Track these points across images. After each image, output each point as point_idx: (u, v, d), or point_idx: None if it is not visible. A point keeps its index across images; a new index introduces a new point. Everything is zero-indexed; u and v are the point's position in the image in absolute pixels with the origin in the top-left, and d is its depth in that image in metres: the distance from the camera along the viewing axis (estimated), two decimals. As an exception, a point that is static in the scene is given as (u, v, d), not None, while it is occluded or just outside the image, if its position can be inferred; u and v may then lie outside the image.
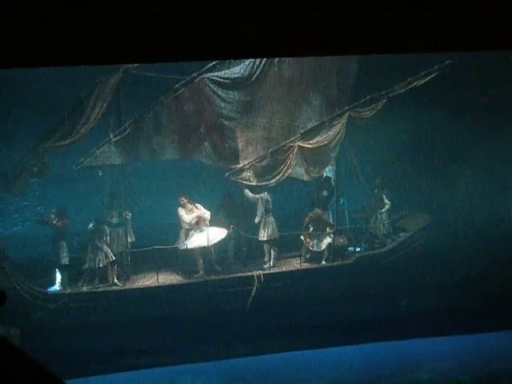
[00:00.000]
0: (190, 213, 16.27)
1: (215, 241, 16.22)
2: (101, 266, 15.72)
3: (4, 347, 3.76)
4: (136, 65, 14.53)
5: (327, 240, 16.95)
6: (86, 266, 15.77)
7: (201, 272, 16.30)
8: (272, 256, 16.92)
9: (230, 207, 17.08)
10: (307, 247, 17.02)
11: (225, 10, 5.07)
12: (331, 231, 16.96)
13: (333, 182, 17.44)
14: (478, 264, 16.82)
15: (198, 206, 16.34)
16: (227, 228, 16.45)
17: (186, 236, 16.32)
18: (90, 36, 4.94)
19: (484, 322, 15.70)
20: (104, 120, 15.54)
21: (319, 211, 17.15)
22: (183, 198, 16.28)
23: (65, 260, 15.73)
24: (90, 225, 15.75)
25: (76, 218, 16.02)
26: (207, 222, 16.25)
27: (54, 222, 15.66)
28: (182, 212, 16.28)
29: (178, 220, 16.43)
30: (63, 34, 4.91)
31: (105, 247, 15.73)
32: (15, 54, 4.98)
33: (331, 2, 5.16)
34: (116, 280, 15.91)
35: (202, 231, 16.17)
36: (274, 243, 17.02)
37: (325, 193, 17.58)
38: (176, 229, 16.47)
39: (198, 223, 16.22)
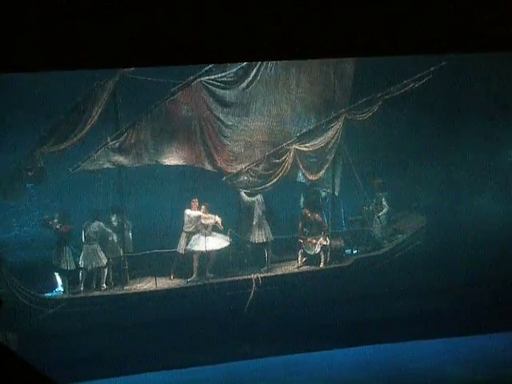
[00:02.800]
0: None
1: (215, 247, 16.22)
2: (94, 267, 15.71)
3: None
4: (132, 69, 14.52)
5: (321, 242, 16.93)
6: (81, 265, 15.77)
7: (194, 276, 16.28)
8: (268, 258, 16.93)
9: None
10: (304, 250, 17.01)
11: (221, 14, 5.08)
12: (326, 234, 16.97)
13: (329, 185, 17.43)
14: (476, 265, 16.81)
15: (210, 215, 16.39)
16: (229, 235, 16.47)
17: (187, 240, 16.32)
18: (86, 41, 4.95)
19: (482, 323, 15.70)
20: (101, 124, 15.51)
21: (307, 211, 17.15)
22: (195, 200, 16.33)
23: (67, 265, 15.69)
24: (85, 224, 15.80)
25: (74, 223, 15.99)
26: (209, 228, 16.27)
27: (57, 226, 15.65)
28: (187, 211, 16.33)
29: (177, 223, 16.46)
30: (60, 39, 4.92)
31: (97, 248, 15.74)
32: (12, 59, 4.98)
33: (328, 6, 5.17)
34: (104, 284, 15.86)
35: (204, 236, 16.17)
36: (270, 245, 17.05)
37: (321, 195, 17.61)
38: (175, 232, 16.47)
39: (198, 222, 16.21)
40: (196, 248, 16.20)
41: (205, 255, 16.25)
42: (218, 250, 16.33)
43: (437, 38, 5.39)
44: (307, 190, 17.54)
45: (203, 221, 16.25)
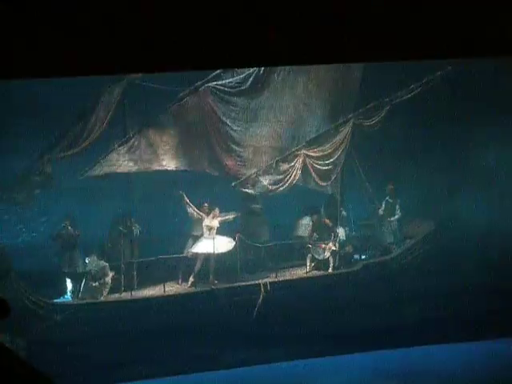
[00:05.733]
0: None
1: (221, 250, 16.16)
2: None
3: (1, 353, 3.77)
4: (140, 75, 14.53)
5: (330, 246, 16.90)
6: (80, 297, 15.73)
7: (191, 280, 16.23)
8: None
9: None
10: (313, 255, 16.98)
11: (228, 20, 5.07)
12: (335, 239, 16.93)
13: (337, 190, 17.41)
14: (485, 270, 16.77)
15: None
16: (234, 238, 16.42)
17: (192, 243, 16.30)
18: (93, 47, 4.95)
19: (492, 329, 15.63)
20: (109, 130, 15.54)
21: (316, 215, 17.14)
22: (206, 205, 16.31)
23: (76, 270, 15.69)
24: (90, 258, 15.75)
25: (82, 229, 15.99)
26: (213, 231, 16.22)
27: (77, 232, 15.65)
28: (193, 214, 16.31)
29: (185, 228, 16.44)
30: (68, 45, 4.92)
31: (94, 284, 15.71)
32: (18, 66, 4.98)
33: (333, 12, 5.16)
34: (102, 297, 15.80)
35: (210, 239, 16.14)
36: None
37: (329, 200, 17.59)
38: (183, 238, 16.47)
39: (202, 225, 16.19)
40: (198, 250, 16.15)
41: (207, 259, 16.21)
42: (219, 254, 16.24)
43: (442, 43, 5.38)
44: (326, 194, 17.54)
45: (208, 223, 16.21)
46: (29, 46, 4.87)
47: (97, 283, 15.59)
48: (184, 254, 16.31)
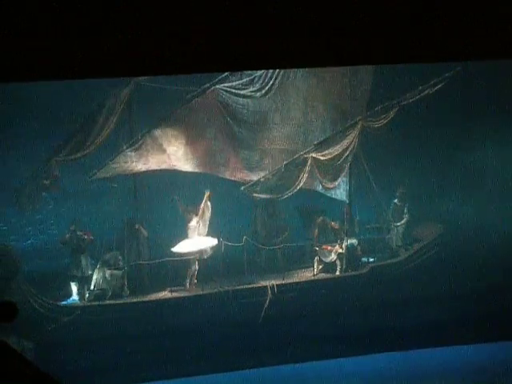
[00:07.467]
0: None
1: (202, 247, 16.07)
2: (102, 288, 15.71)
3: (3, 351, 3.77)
4: (147, 77, 14.54)
5: (337, 249, 16.87)
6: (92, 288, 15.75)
7: (198, 282, 16.18)
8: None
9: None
10: (320, 257, 16.95)
11: (235, 21, 5.07)
12: (342, 242, 16.91)
13: (345, 193, 17.39)
14: (492, 273, 16.72)
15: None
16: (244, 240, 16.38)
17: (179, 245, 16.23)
18: (100, 49, 4.94)
19: (498, 331, 15.60)
20: (116, 132, 15.56)
21: (322, 218, 17.12)
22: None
23: (83, 273, 15.70)
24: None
25: (90, 231, 16.00)
26: (191, 230, 16.13)
27: (85, 236, 15.66)
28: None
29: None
30: (73, 48, 4.91)
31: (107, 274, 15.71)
32: (26, 68, 4.98)
33: (341, 13, 5.16)
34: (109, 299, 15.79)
35: (191, 238, 16.07)
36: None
37: (336, 203, 17.58)
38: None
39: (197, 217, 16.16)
40: (182, 250, 15.98)
41: (214, 261, 16.16)
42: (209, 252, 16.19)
43: (448, 45, 5.37)
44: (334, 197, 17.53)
45: (191, 223, 16.19)
46: (28, 47, 4.87)
47: (104, 285, 15.61)
48: (192, 256, 16.27)
